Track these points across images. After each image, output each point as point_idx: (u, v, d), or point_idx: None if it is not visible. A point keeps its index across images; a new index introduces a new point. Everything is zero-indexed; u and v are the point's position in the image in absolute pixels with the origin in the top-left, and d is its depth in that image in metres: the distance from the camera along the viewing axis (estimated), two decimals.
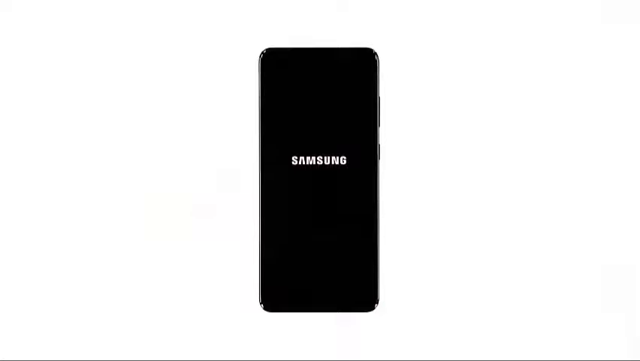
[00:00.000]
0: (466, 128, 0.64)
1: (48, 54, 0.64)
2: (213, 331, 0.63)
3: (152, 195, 0.63)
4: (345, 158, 0.62)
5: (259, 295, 0.62)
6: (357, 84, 0.62)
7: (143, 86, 0.64)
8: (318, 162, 0.62)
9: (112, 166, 0.64)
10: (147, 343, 0.63)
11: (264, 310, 0.62)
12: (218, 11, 0.64)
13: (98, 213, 0.64)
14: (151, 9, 0.64)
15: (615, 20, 0.64)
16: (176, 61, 0.64)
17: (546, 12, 0.64)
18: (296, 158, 0.62)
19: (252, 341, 0.63)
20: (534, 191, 0.64)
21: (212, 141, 0.64)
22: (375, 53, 0.62)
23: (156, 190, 0.63)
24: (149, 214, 0.63)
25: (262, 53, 0.62)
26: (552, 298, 0.63)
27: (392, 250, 0.63)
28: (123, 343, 0.63)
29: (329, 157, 0.62)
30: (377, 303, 0.62)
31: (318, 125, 0.62)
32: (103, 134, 0.64)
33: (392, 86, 0.63)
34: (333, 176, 0.62)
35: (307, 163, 0.62)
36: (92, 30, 0.64)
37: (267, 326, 0.63)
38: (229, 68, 0.64)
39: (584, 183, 0.64)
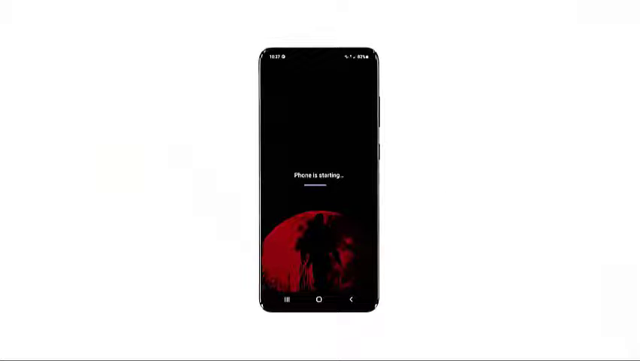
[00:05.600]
0: (466, 128, 0.64)
1: (49, 54, 0.64)
2: (213, 331, 0.63)
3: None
4: (345, 158, 0.62)
5: (259, 296, 0.62)
6: (357, 84, 0.62)
7: (143, 86, 0.64)
8: (318, 162, 0.62)
9: (111, 166, 0.64)
10: (147, 343, 0.63)
11: (264, 310, 0.62)
12: (219, 11, 0.64)
13: (97, 213, 0.64)
14: (151, 9, 0.64)
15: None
16: (177, 61, 0.64)
17: (546, 12, 0.64)
18: (296, 158, 0.62)
19: (252, 341, 0.63)
20: (534, 191, 0.64)
21: (211, 140, 0.64)
22: (375, 53, 0.62)
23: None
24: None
25: (262, 52, 0.62)
26: (552, 298, 0.63)
27: (392, 251, 0.63)
28: (123, 343, 0.63)
29: (329, 157, 0.62)
30: (377, 303, 0.62)
31: (318, 125, 0.62)
32: (103, 136, 0.64)
33: (392, 86, 0.63)
34: (332, 176, 0.62)
35: (307, 163, 0.62)
36: (93, 30, 0.64)
37: (267, 326, 0.63)
38: (229, 68, 0.64)
39: (583, 184, 0.64)
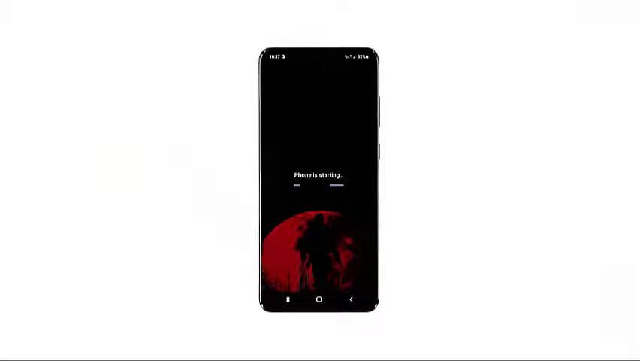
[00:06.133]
0: (466, 128, 0.64)
1: (49, 54, 0.64)
2: (213, 331, 0.63)
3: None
4: (345, 158, 0.62)
5: (259, 296, 0.62)
6: (357, 84, 0.62)
7: (143, 87, 0.64)
8: (318, 162, 0.62)
9: (111, 166, 0.64)
10: (147, 343, 0.63)
11: (264, 310, 0.62)
12: (219, 11, 0.64)
13: (98, 213, 0.64)
14: (151, 10, 0.64)
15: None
16: (177, 61, 0.64)
17: (546, 12, 0.64)
18: (296, 158, 0.62)
19: (252, 341, 0.63)
20: (534, 191, 0.64)
21: (211, 140, 0.64)
22: (375, 53, 0.62)
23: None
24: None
25: (262, 52, 0.62)
26: (552, 298, 0.63)
27: (392, 251, 0.63)
28: (123, 343, 0.63)
29: (329, 157, 0.62)
30: (377, 303, 0.62)
31: (318, 125, 0.62)
32: (103, 136, 0.64)
33: (392, 86, 0.63)
34: (332, 176, 0.62)
35: (307, 163, 0.62)
36: (93, 30, 0.64)
37: (267, 326, 0.63)
38: (229, 68, 0.64)
39: (583, 184, 0.64)
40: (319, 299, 0.61)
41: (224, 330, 0.63)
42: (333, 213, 0.62)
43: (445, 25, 0.64)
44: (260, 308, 0.62)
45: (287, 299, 0.62)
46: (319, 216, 0.62)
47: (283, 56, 0.62)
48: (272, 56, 0.62)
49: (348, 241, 0.62)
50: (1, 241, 0.63)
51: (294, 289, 0.62)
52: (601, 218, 0.64)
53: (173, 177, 0.64)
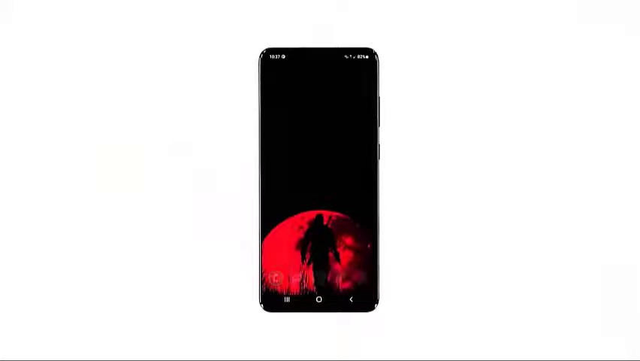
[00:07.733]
0: (465, 128, 0.64)
1: (49, 54, 0.64)
2: (213, 331, 0.63)
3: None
4: (345, 158, 0.62)
5: (259, 296, 0.62)
6: (357, 84, 0.62)
7: (143, 87, 0.64)
8: (317, 162, 0.62)
9: (111, 166, 0.64)
10: (147, 343, 0.63)
11: (264, 310, 0.62)
12: (219, 11, 0.64)
13: (97, 213, 0.64)
14: (151, 10, 0.64)
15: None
16: (177, 61, 0.64)
17: (546, 12, 0.64)
18: (296, 158, 0.62)
19: (252, 341, 0.63)
20: (534, 191, 0.64)
21: (212, 140, 0.64)
22: (376, 53, 0.62)
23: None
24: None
25: (262, 52, 0.62)
26: (552, 298, 0.63)
27: (392, 251, 0.63)
28: (123, 343, 0.63)
29: (329, 157, 0.62)
30: (377, 303, 0.62)
31: (318, 125, 0.62)
32: (103, 136, 0.64)
33: (392, 86, 0.63)
34: (332, 177, 0.62)
35: (307, 163, 0.62)
36: (93, 30, 0.64)
37: (267, 326, 0.63)
38: (229, 68, 0.64)
39: (583, 184, 0.64)
40: (319, 299, 0.62)
41: (224, 330, 0.63)
42: (333, 213, 0.62)
43: (445, 25, 0.64)
44: (260, 308, 0.62)
45: (287, 299, 0.62)
46: (319, 217, 0.62)
47: (283, 56, 0.62)
48: (272, 56, 0.62)
49: (348, 241, 0.62)
50: (1, 241, 0.63)
51: (294, 289, 0.62)
52: (601, 218, 0.64)
53: (173, 177, 0.64)
